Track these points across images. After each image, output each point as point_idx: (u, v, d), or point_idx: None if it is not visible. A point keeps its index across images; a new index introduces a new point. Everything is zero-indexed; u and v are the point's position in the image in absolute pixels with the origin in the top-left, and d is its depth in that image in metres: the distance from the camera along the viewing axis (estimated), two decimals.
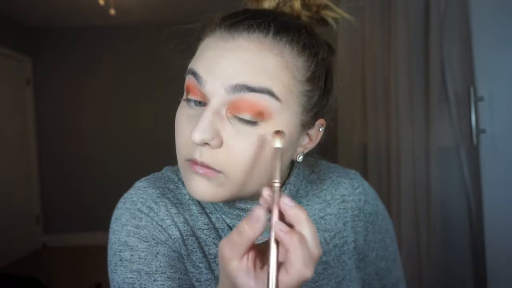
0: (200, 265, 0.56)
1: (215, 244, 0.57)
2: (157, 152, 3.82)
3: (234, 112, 0.47)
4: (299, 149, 0.55)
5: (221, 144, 0.48)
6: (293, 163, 0.61)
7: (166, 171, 0.63)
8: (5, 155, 3.70)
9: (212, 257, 0.57)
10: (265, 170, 0.49)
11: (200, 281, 0.56)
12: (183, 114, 0.51)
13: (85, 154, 4.22)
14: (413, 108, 1.85)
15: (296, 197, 0.62)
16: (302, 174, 0.63)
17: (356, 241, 0.66)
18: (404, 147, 1.89)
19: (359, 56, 2.31)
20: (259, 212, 0.38)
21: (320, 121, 0.56)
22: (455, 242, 1.73)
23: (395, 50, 1.92)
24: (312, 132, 0.56)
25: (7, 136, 3.77)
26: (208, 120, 0.46)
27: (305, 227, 0.38)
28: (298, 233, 0.37)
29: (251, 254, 0.39)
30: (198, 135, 0.46)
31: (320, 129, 0.57)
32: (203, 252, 0.57)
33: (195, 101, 0.50)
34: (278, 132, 0.44)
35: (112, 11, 3.14)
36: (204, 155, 0.48)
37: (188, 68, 0.51)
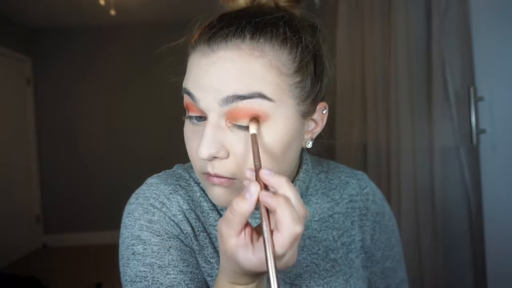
0: (212, 260, 0.57)
1: None
2: (157, 152, 3.83)
3: (233, 121, 0.49)
4: (307, 136, 0.56)
5: (228, 154, 0.50)
6: (301, 160, 0.62)
7: (177, 168, 0.64)
8: (5, 155, 3.70)
9: None
10: (274, 166, 0.51)
11: (211, 276, 0.56)
12: (189, 131, 0.54)
13: (85, 154, 4.22)
14: (413, 108, 1.86)
15: (306, 195, 0.63)
16: (311, 171, 0.64)
17: (363, 240, 0.67)
18: (404, 147, 1.89)
19: (359, 56, 2.31)
20: (252, 187, 0.40)
21: (321, 105, 0.56)
22: (456, 243, 1.73)
23: (395, 50, 1.92)
24: (316, 117, 0.56)
25: (7, 136, 3.77)
26: (210, 135, 0.48)
27: (286, 189, 0.40)
28: (282, 195, 0.40)
29: (248, 231, 0.41)
30: (204, 151, 0.48)
31: (324, 112, 0.57)
32: (214, 247, 0.58)
33: (196, 117, 0.52)
34: (252, 119, 0.48)
35: (112, 11, 3.14)
36: (215, 167, 0.50)
37: (182, 87, 0.53)
